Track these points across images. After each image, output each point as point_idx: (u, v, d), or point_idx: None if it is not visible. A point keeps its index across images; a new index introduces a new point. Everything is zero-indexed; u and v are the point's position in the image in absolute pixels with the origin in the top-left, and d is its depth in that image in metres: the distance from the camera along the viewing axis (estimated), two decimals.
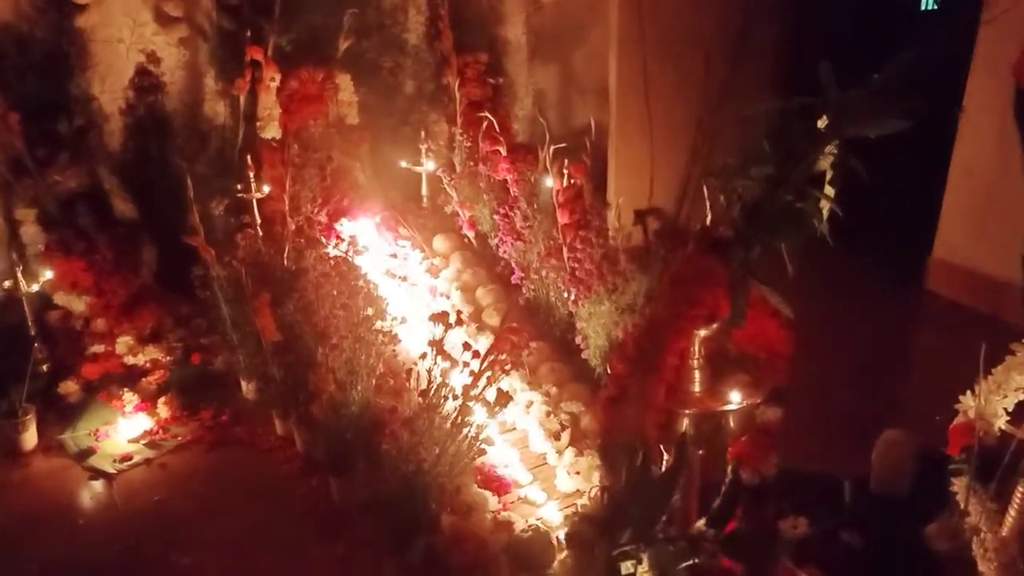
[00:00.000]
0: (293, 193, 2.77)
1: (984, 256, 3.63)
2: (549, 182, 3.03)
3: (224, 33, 3.44)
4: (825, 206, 1.69)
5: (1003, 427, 1.77)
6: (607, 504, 1.19)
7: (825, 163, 1.69)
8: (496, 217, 3.13)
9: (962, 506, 1.85)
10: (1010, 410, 1.78)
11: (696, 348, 1.76)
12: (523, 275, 3.02)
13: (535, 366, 2.82)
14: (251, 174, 2.95)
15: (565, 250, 2.75)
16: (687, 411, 1.72)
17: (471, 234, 3.42)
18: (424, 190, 3.61)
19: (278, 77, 3.34)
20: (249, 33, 3.32)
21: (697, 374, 1.77)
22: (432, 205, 3.61)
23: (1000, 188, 3.55)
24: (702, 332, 1.73)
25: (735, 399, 1.71)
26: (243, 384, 3.06)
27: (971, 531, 1.87)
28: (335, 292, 2.42)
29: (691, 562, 1.13)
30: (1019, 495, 1.91)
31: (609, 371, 1.65)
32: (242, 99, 3.39)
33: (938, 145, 3.76)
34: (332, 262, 2.58)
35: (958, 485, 1.84)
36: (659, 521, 1.15)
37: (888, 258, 4.04)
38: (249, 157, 2.99)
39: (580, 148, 2.97)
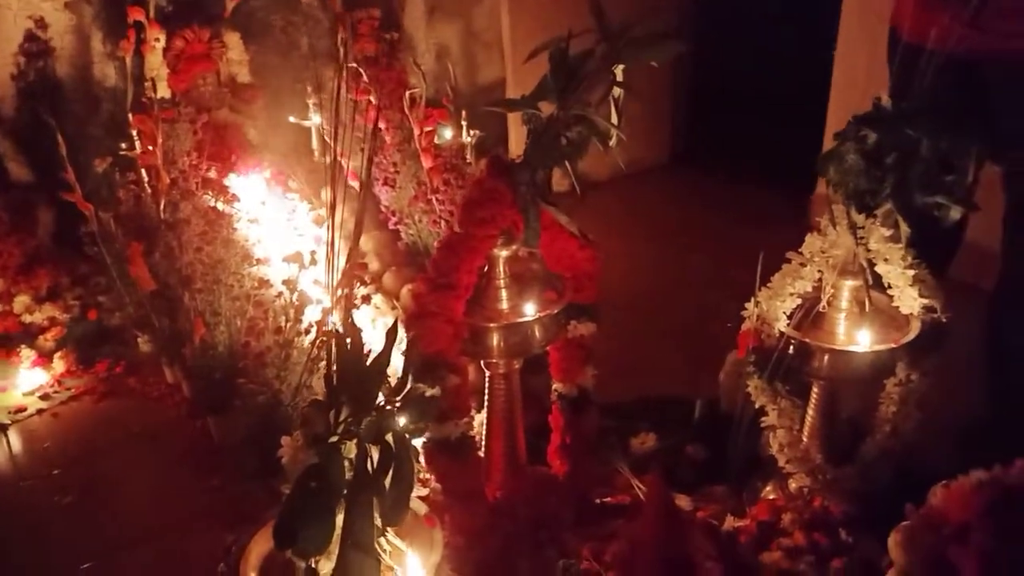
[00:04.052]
0: (167, 148, 2.86)
1: None
2: (447, 133, 3.16)
3: None
4: (613, 132, 1.82)
5: (783, 329, 1.92)
6: (327, 389, 1.32)
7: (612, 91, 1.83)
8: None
9: (756, 405, 2.01)
10: (789, 313, 1.93)
11: (501, 268, 1.90)
12: (397, 220, 3.13)
13: (410, 307, 2.94)
14: (134, 132, 3.03)
15: (431, 193, 2.86)
16: (491, 325, 1.86)
17: (355, 184, 3.50)
18: (314, 144, 3.70)
19: (163, 37, 3.39)
20: None
21: (504, 292, 1.90)
22: (322, 158, 3.69)
23: None
24: (503, 253, 1.87)
25: (529, 311, 1.84)
26: (138, 336, 3.17)
27: (768, 429, 2.03)
28: (195, 238, 2.52)
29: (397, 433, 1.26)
30: (815, 395, 2.08)
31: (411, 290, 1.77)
32: (128, 61, 3.44)
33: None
34: (201, 211, 2.68)
35: (751, 386, 2.00)
36: (373, 402, 1.28)
37: (781, 196, 4.21)
38: (131, 116, 3.07)
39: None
